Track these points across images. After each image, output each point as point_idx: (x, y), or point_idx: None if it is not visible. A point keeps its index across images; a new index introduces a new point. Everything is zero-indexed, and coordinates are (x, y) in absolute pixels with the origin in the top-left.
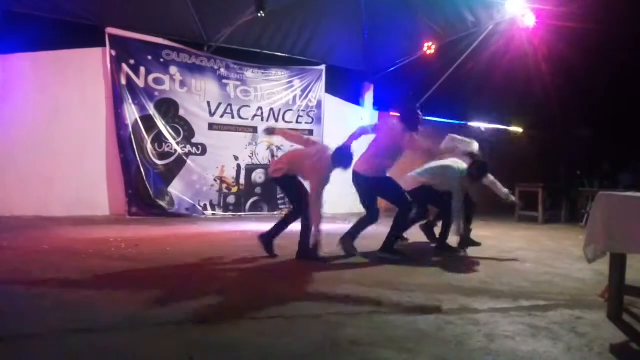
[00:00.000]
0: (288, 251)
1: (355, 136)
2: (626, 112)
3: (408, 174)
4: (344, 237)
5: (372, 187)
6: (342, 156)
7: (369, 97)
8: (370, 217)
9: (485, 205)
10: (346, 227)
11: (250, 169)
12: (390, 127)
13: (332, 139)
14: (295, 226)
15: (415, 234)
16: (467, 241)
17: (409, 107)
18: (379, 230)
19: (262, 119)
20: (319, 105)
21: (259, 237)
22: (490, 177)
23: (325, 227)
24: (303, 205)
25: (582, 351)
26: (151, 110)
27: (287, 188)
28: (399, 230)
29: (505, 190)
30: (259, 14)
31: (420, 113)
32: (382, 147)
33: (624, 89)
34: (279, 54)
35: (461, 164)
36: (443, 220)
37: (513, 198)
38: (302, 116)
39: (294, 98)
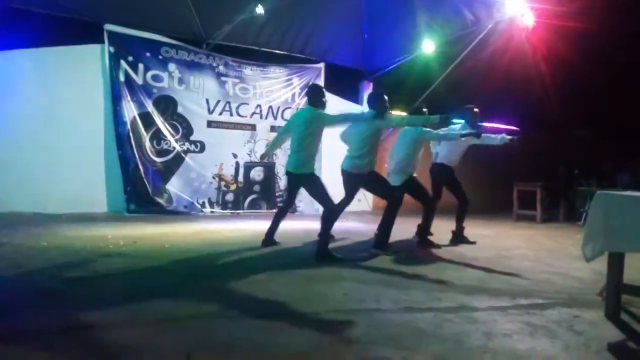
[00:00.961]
0: (285, 250)
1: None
2: (625, 112)
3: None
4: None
5: (361, 182)
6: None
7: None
8: (347, 201)
9: (483, 204)
10: (345, 224)
11: (249, 167)
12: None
13: (329, 137)
14: (296, 225)
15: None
16: (460, 238)
17: (375, 91)
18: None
19: (261, 117)
20: None
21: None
22: (482, 135)
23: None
24: (328, 204)
25: (580, 349)
26: (149, 107)
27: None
28: (389, 225)
29: (499, 137)
30: (258, 9)
31: (385, 99)
32: (375, 144)
33: (624, 89)
34: (278, 51)
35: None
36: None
37: (507, 139)
38: None
39: (293, 96)
